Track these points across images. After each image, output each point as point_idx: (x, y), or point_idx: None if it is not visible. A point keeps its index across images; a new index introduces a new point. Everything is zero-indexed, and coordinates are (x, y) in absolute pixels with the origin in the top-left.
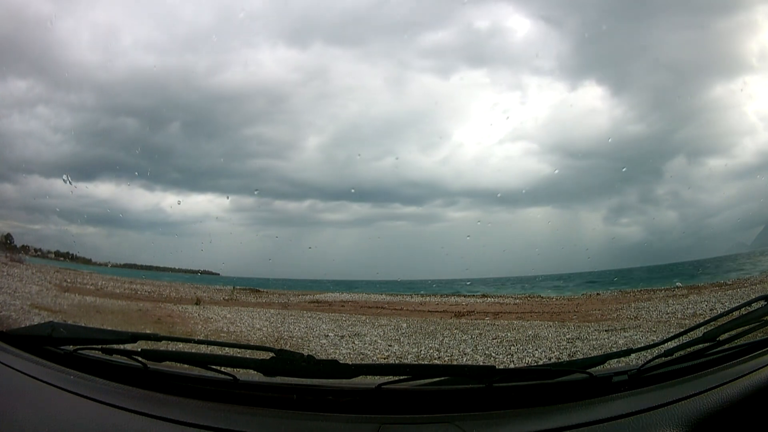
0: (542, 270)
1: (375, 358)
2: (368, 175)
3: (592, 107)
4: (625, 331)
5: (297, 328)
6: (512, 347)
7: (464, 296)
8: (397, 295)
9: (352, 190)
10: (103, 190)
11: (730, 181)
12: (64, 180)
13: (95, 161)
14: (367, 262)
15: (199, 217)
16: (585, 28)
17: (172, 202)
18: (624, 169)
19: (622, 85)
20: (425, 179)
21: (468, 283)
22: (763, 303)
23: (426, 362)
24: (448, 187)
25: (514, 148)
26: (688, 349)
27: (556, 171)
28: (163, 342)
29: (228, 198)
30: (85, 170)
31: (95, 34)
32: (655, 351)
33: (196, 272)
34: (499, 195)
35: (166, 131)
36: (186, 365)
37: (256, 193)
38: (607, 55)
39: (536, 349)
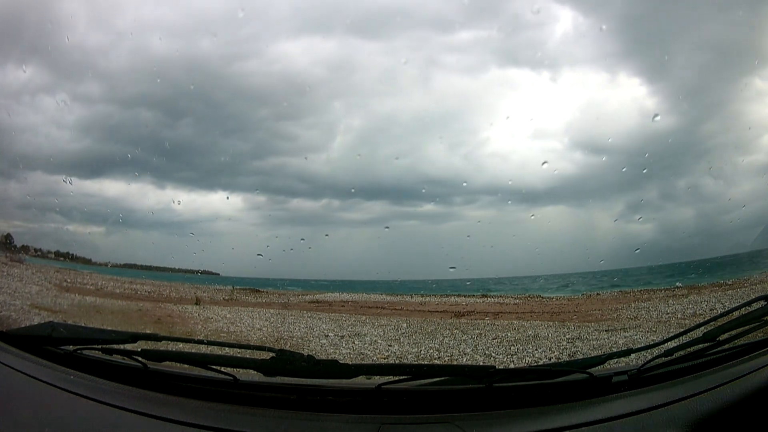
0: (544, 270)
1: (375, 358)
2: (382, 173)
3: (619, 100)
4: (625, 331)
5: (297, 328)
6: (512, 347)
7: (464, 296)
8: (397, 295)
9: (352, 190)
10: (107, 187)
11: (750, 177)
12: (63, 180)
13: (99, 157)
14: (368, 262)
15: (205, 217)
16: (616, 19)
17: (180, 200)
18: (624, 169)
19: (656, 75)
20: (437, 177)
21: (468, 282)
22: (763, 303)
23: (426, 362)
24: (456, 185)
25: (532, 145)
26: (688, 349)
27: (555, 171)
28: (163, 342)
29: (228, 198)
30: (89, 167)
31: (103, 17)
32: (655, 351)
33: (196, 272)
34: (499, 194)
35: (176, 125)
36: (186, 365)
37: (257, 192)
38: (641, 43)
39: (536, 349)
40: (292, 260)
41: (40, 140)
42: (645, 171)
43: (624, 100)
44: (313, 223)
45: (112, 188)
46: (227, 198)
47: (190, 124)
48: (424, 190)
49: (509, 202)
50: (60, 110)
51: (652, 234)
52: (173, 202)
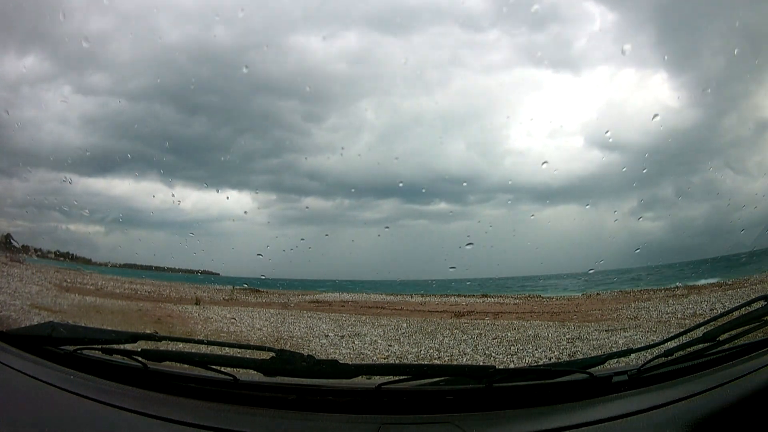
0: (545, 270)
1: (375, 358)
2: (393, 171)
3: (640, 98)
4: (625, 331)
5: (297, 328)
6: (512, 347)
7: (464, 296)
8: (397, 295)
9: (352, 190)
10: (110, 186)
11: (755, 176)
12: (63, 180)
13: (103, 155)
14: (369, 262)
15: (212, 217)
16: (639, 11)
17: (179, 200)
18: (624, 169)
19: (677, 71)
20: (446, 176)
21: (468, 282)
22: (763, 303)
23: (426, 362)
24: (468, 184)
25: (537, 144)
26: (688, 349)
27: (556, 171)
28: (163, 342)
29: (228, 198)
30: (92, 165)
31: (109, 5)
32: (655, 351)
33: (196, 272)
34: (501, 194)
35: (180, 120)
36: (186, 365)
37: (264, 191)
38: (665, 38)
39: (536, 349)
40: (294, 260)
41: (42, 136)
42: (645, 171)
43: (645, 98)
44: (322, 222)
45: (116, 187)
46: (227, 198)
47: (196, 119)
48: (424, 191)
49: (509, 201)
50: (62, 104)
51: (652, 234)
52: (174, 201)
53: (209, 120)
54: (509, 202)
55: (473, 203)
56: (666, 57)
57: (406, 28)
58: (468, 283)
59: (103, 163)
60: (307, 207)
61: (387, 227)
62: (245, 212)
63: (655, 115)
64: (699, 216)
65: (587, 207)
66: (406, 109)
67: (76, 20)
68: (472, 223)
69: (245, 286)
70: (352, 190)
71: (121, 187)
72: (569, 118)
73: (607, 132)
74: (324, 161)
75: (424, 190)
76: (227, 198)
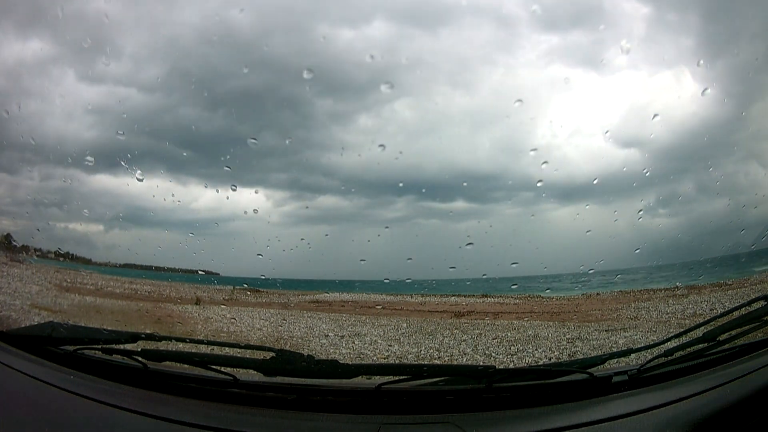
0: (544, 270)
1: (375, 358)
2: (408, 170)
3: (669, 93)
4: (625, 331)
5: (297, 328)
6: (512, 347)
7: (464, 296)
8: (397, 295)
9: (352, 190)
10: (113, 184)
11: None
12: (64, 180)
13: (106, 152)
14: (371, 262)
15: (217, 217)
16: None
17: (179, 200)
18: (624, 169)
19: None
20: (452, 176)
21: (468, 282)
22: (763, 303)
23: (426, 362)
24: (489, 183)
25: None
26: (688, 349)
27: (556, 170)
28: (163, 342)
29: (228, 198)
30: (94, 162)
31: None
32: (655, 351)
33: (196, 272)
34: (519, 192)
35: (182, 114)
36: (186, 365)
37: (256, 193)
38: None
39: (536, 349)
40: (294, 260)
41: (44, 131)
42: (645, 172)
43: (665, 97)
44: (330, 221)
45: (121, 185)
46: (227, 198)
47: (212, 114)
48: (424, 191)
49: (509, 201)
50: (67, 98)
51: (652, 233)
52: (173, 198)
53: (226, 115)
54: (510, 202)
55: (490, 202)
56: (690, 54)
57: (437, 23)
58: (468, 283)
59: (110, 160)
60: (306, 207)
61: (387, 227)
62: (245, 212)
63: (655, 115)
64: (702, 216)
65: (587, 207)
66: (427, 105)
67: (83, 5)
68: (475, 223)
69: (245, 286)
70: (352, 190)
71: (127, 185)
72: (588, 117)
73: (606, 132)
74: (339, 158)
75: (424, 190)
76: (227, 198)
